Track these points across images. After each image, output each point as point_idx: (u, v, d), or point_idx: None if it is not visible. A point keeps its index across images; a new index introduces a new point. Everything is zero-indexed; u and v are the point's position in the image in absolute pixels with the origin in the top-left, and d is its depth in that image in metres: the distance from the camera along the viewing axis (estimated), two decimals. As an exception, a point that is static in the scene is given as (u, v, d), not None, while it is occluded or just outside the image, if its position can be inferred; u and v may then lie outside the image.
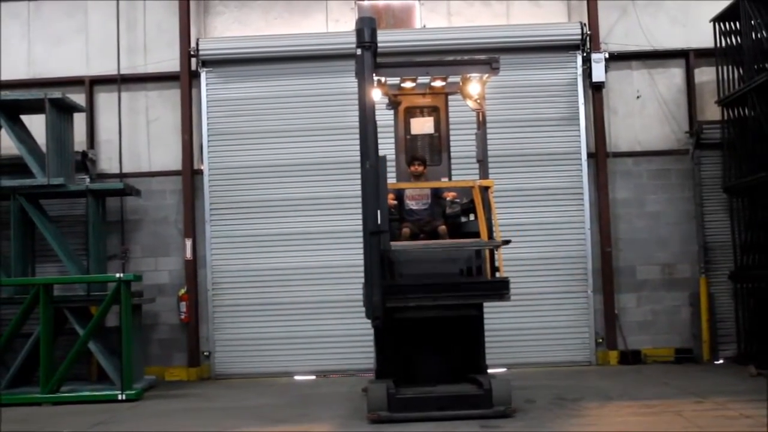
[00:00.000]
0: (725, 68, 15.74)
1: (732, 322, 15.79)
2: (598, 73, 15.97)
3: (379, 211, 10.27)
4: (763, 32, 14.38)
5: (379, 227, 10.25)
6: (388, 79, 11.66)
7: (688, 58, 16.38)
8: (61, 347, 14.43)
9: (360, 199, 10.59)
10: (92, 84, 16.61)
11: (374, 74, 10.66)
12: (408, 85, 12.04)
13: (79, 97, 16.05)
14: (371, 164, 10.22)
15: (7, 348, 14.25)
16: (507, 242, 10.82)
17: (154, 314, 16.14)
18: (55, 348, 14.17)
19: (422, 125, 12.48)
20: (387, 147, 11.63)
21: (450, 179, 12.36)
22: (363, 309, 10.66)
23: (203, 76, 16.34)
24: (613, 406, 11.38)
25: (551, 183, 16.01)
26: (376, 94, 11.03)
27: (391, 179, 11.87)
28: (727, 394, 11.80)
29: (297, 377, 15.76)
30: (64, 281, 15.19)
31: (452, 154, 12.49)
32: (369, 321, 10.53)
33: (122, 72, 16.48)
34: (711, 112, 16.26)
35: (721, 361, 15.56)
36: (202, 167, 16.27)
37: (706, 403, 11.28)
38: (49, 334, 13.74)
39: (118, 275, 13.97)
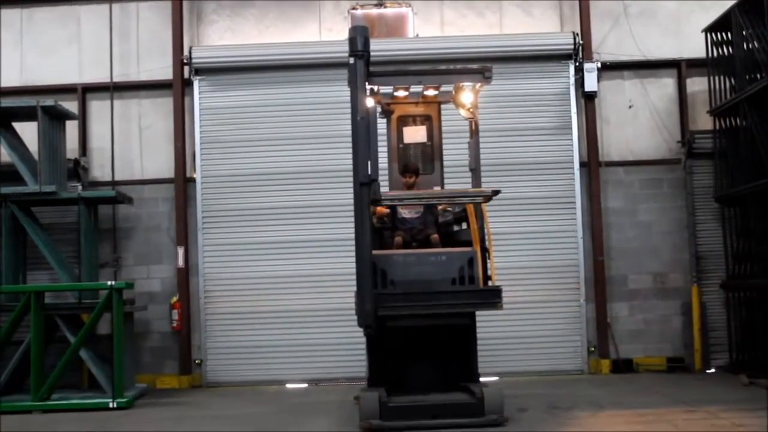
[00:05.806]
0: (717, 78, 15.79)
1: (724, 331, 15.79)
2: (591, 83, 16.01)
3: (369, 161, 10.24)
4: (755, 43, 14.43)
5: (370, 177, 10.22)
6: (380, 87, 11.66)
7: (680, 68, 16.42)
8: (52, 355, 14.37)
9: (352, 208, 10.57)
10: (84, 92, 16.60)
11: (367, 83, 10.67)
12: (400, 94, 12.01)
13: (71, 105, 16.04)
14: (362, 117, 10.24)
15: (-3, 356, 14.22)
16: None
17: (146, 322, 16.10)
18: (47, 356, 14.10)
19: (415, 134, 12.47)
20: (379, 156, 11.62)
21: (443, 188, 12.37)
22: (355, 317, 10.65)
23: (196, 84, 16.34)
24: (605, 415, 11.36)
25: (543, 192, 16.02)
26: (369, 103, 11.01)
27: (384, 188, 11.87)
28: (719, 403, 11.79)
29: (289, 385, 15.73)
30: (55, 289, 15.12)
31: (445, 163, 12.50)
32: (361, 329, 10.53)
33: (115, 80, 16.48)
34: (703, 121, 16.31)
35: (712, 370, 15.58)
36: (194, 175, 16.26)
37: (698, 412, 11.27)
38: (40, 341, 13.69)
39: (109, 283, 13.92)
